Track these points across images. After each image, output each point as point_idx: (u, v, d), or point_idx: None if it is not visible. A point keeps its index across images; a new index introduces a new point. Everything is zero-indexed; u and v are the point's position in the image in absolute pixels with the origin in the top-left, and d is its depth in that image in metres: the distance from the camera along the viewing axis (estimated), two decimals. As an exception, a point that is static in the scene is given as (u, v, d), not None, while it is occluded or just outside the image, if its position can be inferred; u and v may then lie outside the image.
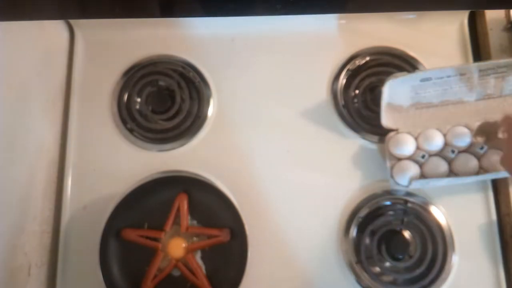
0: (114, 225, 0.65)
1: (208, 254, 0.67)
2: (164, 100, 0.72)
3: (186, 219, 0.66)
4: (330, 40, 0.75)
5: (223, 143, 0.71)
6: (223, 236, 0.65)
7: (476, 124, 0.66)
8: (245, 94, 0.73)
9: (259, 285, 0.66)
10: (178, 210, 0.66)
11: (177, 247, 0.65)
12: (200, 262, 0.66)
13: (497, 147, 0.65)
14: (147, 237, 0.66)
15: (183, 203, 0.66)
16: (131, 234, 0.65)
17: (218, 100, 0.73)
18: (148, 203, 0.67)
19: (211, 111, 0.73)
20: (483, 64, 0.64)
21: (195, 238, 0.66)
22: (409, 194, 0.68)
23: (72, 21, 0.75)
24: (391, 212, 0.68)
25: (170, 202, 0.66)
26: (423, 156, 0.65)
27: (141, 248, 0.65)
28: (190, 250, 0.65)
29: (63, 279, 0.67)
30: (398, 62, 0.73)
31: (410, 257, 0.66)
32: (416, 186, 0.65)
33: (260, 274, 0.66)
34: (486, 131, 0.67)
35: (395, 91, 0.66)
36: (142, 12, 0.60)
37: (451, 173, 0.66)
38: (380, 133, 0.70)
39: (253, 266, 0.63)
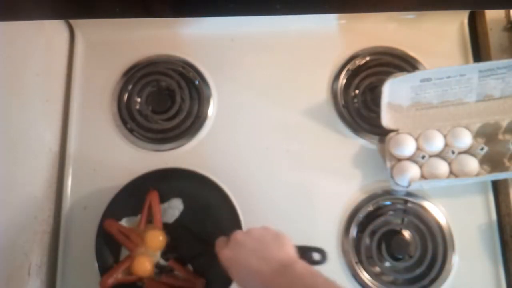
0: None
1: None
2: (164, 100, 0.72)
3: (159, 216, 0.64)
4: (330, 40, 0.75)
5: (223, 143, 0.71)
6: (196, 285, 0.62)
7: (476, 125, 0.66)
8: (245, 94, 0.73)
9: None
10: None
11: (143, 265, 0.62)
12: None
13: (498, 149, 0.65)
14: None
15: (155, 201, 0.65)
16: (113, 228, 0.64)
17: (218, 100, 0.73)
18: (141, 198, 0.66)
19: (211, 111, 0.73)
20: (482, 65, 0.64)
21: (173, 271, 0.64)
22: (409, 194, 0.68)
23: (72, 21, 0.75)
24: (391, 212, 0.68)
25: (162, 197, 0.66)
26: (423, 157, 0.65)
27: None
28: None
29: (63, 279, 0.67)
30: (398, 62, 0.73)
31: (410, 257, 0.66)
32: (416, 187, 0.65)
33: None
34: (486, 133, 0.67)
35: (395, 91, 0.66)
36: (142, 12, 0.59)
37: (451, 174, 0.66)
38: (380, 133, 0.70)
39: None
